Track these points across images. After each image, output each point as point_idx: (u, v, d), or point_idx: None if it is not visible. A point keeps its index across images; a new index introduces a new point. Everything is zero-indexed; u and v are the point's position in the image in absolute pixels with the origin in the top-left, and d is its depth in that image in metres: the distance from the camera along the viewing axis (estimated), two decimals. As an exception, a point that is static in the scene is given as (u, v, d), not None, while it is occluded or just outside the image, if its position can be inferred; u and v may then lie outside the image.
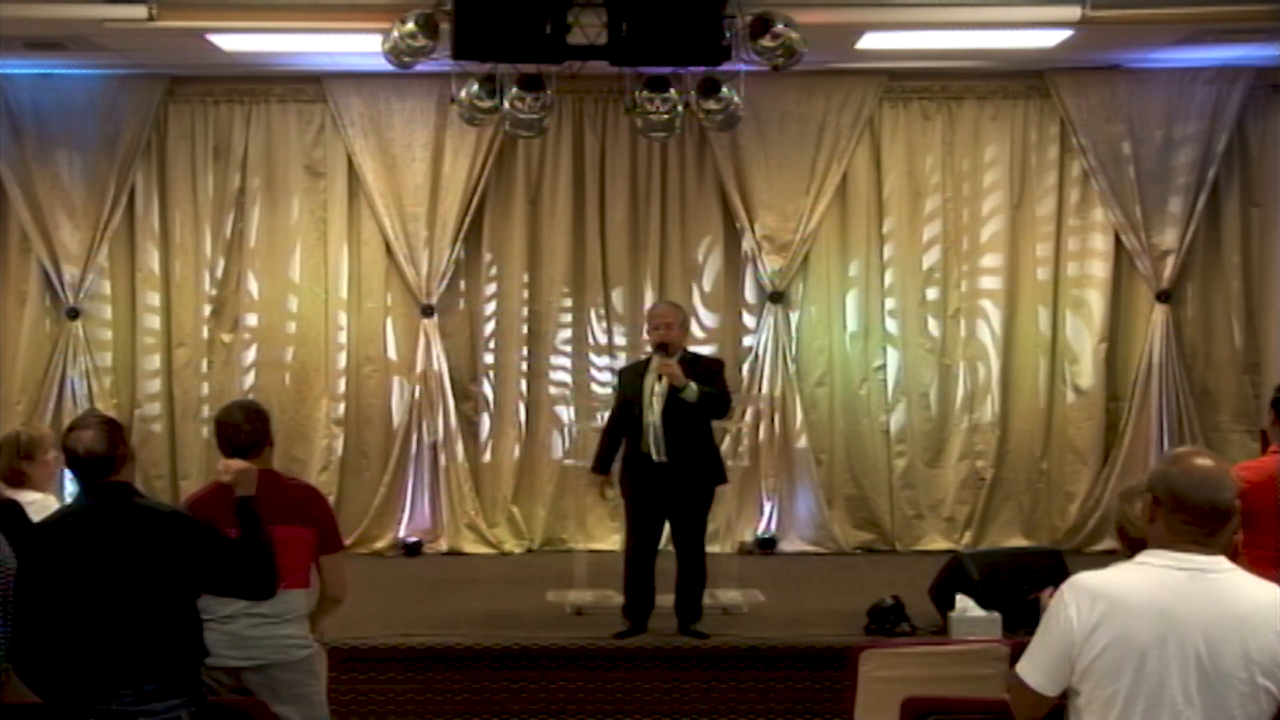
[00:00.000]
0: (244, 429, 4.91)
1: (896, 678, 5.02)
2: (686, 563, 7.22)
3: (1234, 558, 5.72)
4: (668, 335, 7.14)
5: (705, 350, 9.39)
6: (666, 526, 7.29)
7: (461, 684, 6.97)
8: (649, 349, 7.32)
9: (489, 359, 9.65)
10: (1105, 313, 9.52)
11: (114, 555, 3.94)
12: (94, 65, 8.95)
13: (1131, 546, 3.82)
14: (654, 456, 7.07)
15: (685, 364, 7.12)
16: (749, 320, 9.66)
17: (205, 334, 9.53)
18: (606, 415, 7.57)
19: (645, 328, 7.50)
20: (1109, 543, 8.76)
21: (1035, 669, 3.32)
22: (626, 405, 7.21)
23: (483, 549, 9.46)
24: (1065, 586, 3.31)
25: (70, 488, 8.72)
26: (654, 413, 7.06)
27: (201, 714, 4.06)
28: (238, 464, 4.38)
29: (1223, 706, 3.18)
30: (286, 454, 9.19)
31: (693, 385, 7.01)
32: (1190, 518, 3.25)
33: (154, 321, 9.55)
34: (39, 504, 5.35)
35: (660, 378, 7.06)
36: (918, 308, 9.62)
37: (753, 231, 9.44)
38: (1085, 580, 3.30)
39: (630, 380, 7.31)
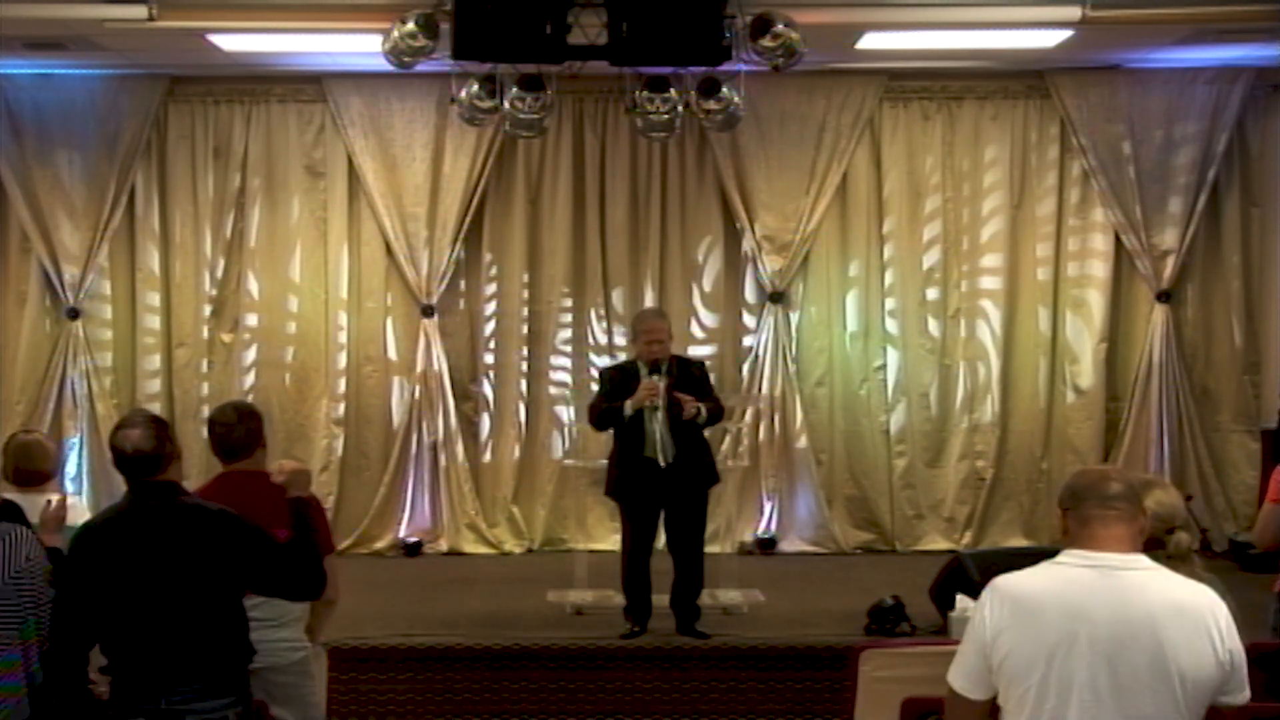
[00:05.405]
0: (237, 429, 4.89)
1: (896, 678, 5.02)
2: (686, 565, 7.21)
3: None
4: (662, 351, 7.10)
5: (704, 351, 9.42)
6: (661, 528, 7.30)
7: (461, 684, 6.97)
8: (638, 358, 7.21)
9: (489, 359, 9.65)
10: (1105, 313, 9.51)
11: (161, 554, 3.93)
12: (94, 65, 8.94)
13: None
14: (661, 461, 7.06)
15: (673, 371, 7.10)
16: (749, 320, 9.65)
17: (205, 334, 9.52)
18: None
19: (634, 336, 7.38)
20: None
21: (957, 673, 3.36)
22: (614, 411, 7.14)
23: (483, 549, 9.46)
24: (985, 589, 3.36)
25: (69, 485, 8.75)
26: (658, 421, 7.04)
27: (248, 714, 4.05)
28: (291, 464, 4.34)
29: (1134, 703, 3.17)
30: (286, 454, 9.17)
31: (702, 410, 7.05)
32: (1086, 508, 3.33)
33: (154, 321, 9.55)
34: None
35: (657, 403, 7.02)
36: (918, 308, 9.61)
37: (753, 231, 9.43)
38: (1000, 582, 3.34)
39: (620, 385, 7.19)
